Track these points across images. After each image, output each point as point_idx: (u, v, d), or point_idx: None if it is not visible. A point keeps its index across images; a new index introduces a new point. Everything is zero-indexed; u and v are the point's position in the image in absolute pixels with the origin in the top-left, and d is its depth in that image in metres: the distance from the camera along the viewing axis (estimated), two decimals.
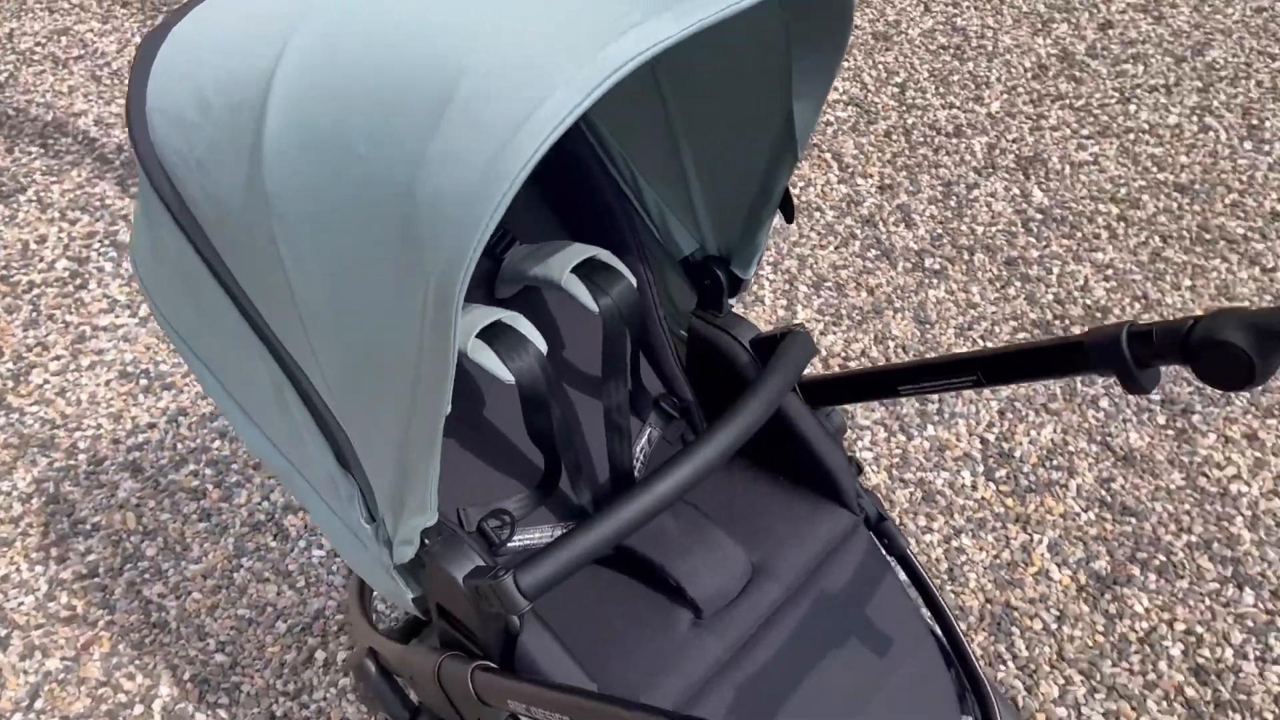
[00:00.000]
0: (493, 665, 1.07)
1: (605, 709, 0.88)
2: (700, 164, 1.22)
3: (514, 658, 1.08)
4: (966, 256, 2.68)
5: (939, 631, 1.35)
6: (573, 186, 1.32)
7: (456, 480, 1.22)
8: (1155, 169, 2.87)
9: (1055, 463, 2.20)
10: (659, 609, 1.19)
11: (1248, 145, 2.91)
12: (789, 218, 1.20)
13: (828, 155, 3.02)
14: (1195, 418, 2.25)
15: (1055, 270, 2.62)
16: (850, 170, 2.97)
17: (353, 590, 1.52)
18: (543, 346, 1.11)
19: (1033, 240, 2.71)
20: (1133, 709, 1.81)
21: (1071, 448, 2.22)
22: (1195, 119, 3.03)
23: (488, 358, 1.08)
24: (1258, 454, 2.18)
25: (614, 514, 1.04)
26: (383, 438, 0.94)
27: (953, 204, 2.84)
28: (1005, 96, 3.20)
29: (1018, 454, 2.21)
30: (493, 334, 1.09)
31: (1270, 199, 2.74)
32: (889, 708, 1.23)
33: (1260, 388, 2.29)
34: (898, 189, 2.90)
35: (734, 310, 1.35)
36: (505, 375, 1.08)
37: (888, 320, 2.53)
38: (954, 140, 3.06)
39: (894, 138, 3.08)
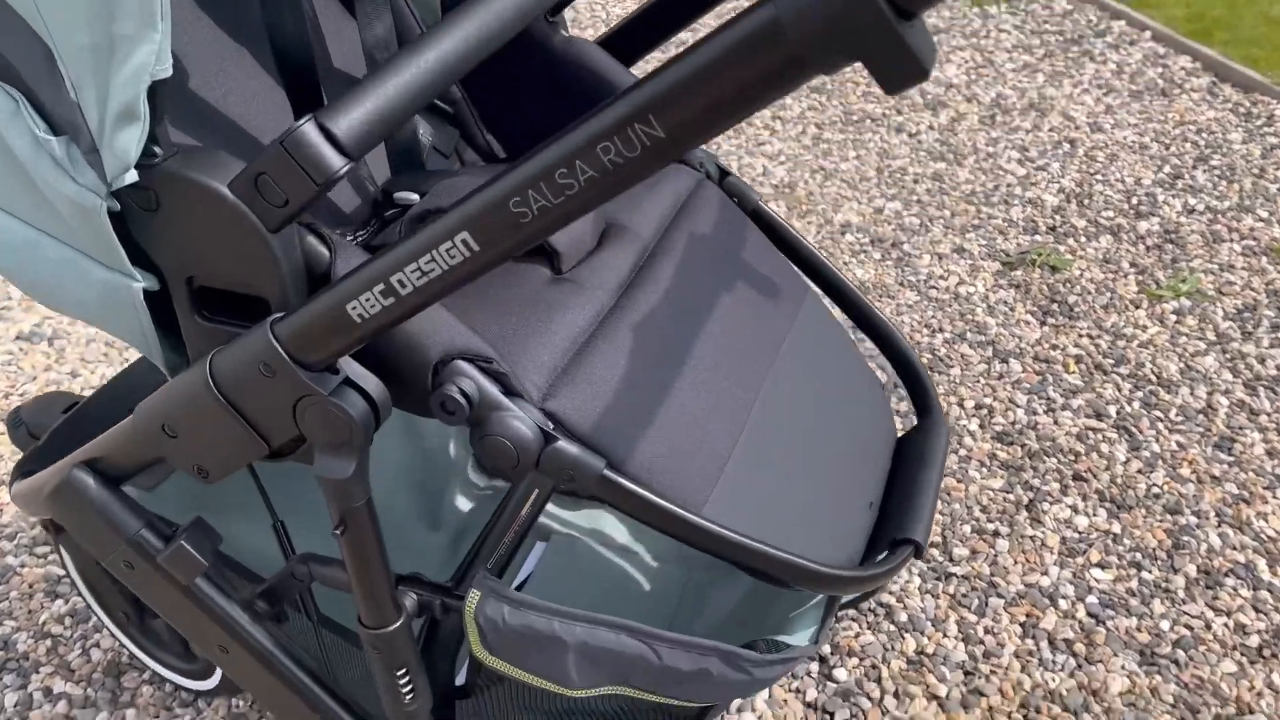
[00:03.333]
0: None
1: (482, 201, 0.58)
2: None
3: None
4: None
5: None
6: None
7: None
8: None
9: None
10: (510, 269, 0.88)
11: None
12: None
13: None
14: (905, 247, 2.28)
15: (735, 164, 2.62)
16: None
17: (16, 473, 1.03)
18: None
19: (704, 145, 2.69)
20: (958, 481, 1.71)
21: None
22: None
23: None
24: (969, 262, 2.23)
25: (426, 40, 0.73)
26: None
27: None
28: None
29: None
30: None
31: None
32: (799, 346, 1.01)
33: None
34: None
35: None
36: None
37: None
38: None
39: None
